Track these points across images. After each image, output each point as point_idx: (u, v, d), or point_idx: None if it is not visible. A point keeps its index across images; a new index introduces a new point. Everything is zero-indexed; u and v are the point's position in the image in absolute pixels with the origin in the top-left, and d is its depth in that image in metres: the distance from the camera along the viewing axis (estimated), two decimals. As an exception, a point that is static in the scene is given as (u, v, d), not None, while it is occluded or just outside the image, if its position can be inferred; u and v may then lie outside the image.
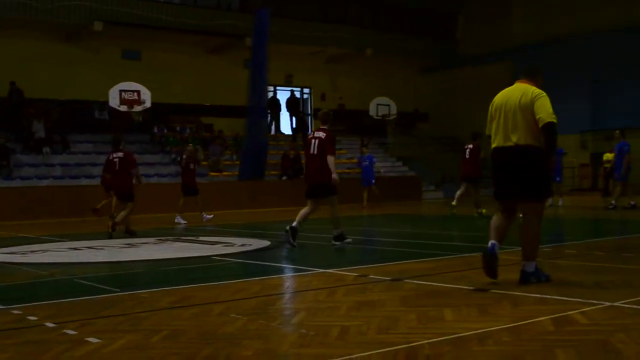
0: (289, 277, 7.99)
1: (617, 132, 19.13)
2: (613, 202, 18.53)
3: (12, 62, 24.79)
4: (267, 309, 5.66)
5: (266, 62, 25.00)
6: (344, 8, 32.67)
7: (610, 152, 20.68)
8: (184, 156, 17.94)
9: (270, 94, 29.58)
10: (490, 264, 6.39)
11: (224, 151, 26.34)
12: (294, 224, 10.31)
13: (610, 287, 6.16)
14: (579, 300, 5.52)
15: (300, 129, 30.15)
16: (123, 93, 22.14)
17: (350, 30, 31.93)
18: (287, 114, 30.84)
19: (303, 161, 26.89)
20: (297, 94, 32.43)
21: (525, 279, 6.41)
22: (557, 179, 19.78)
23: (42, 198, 20.46)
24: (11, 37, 25.15)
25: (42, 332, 4.93)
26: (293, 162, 26.60)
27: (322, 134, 10.47)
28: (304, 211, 10.50)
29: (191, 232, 14.41)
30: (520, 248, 6.58)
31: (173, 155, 25.32)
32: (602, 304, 5.34)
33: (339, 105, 31.95)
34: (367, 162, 22.83)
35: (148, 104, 22.55)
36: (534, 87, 6.50)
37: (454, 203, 16.87)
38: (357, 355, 4.07)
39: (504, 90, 6.75)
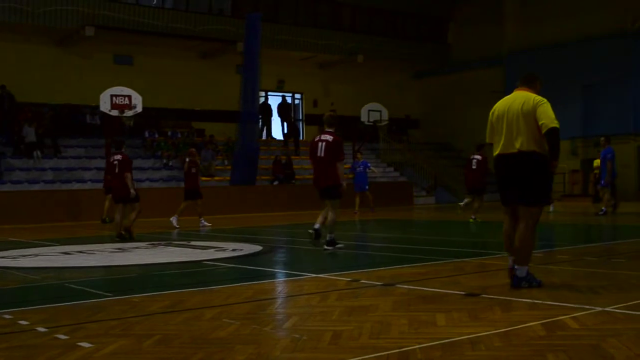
0: (281, 282, 7.98)
1: (603, 138, 19.23)
2: (603, 208, 18.68)
3: (3, 66, 24.71)
4: (260, 314, 5.65)
5: (258, 67, 25.04)
6: (336, 14, 32.69)
7: (600, 158, 20.79)
8: (187, 159, 17.85)
9: (262, 99, 29.59)
10: (510, 275, 6.67)
11: (215, 156, 26.32)
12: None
13: (602, 292, 6.19)
14: (571, 305, 5.55)
15: (291, 134, 30.26)
16: (114, 97, 22.04)
17: (342, 36, 31.98)
18: (279, 119, 30.88)
19: (296, 166, 27.23)
20: (289, 100, 32.46)
21: (517, 284, 6.46)
22: None
23: (33, 202, 20.38)
24: (2, 41, 25.10)
25: (34, 336, 4.91)
26: (284, 167, 26.64)
27: (329, 137, 10.45)
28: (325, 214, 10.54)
29: (183, 237, 14.39)
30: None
31: (164, 160, 25.31)
32: (593, 309, 5.38)
33: (330, 111, 31.88)
34: (361, 168, 22.84)
35: (139, 109, 22.48)
36: (534, 94, 6.59)
37: (472, 218, 16.69)
38: None
39: (504, 99, 6.84)
